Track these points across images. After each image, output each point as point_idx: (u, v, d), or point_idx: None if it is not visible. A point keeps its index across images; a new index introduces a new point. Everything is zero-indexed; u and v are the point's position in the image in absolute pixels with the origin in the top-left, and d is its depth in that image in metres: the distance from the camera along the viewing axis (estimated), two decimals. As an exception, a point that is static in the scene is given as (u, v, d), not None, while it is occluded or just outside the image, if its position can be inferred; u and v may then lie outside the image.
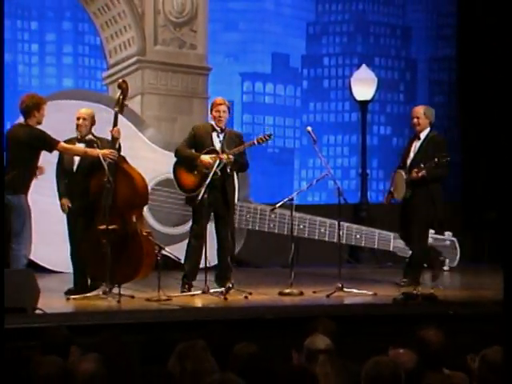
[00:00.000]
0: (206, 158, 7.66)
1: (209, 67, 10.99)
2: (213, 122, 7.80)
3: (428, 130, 8.28)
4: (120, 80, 7.91)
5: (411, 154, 8.24)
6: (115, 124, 7.52)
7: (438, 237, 9.84)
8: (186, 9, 10.88)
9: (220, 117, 7.73)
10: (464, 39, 11.58)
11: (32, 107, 7.45)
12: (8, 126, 9.86)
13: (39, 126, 7.46)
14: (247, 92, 11.33)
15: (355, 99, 11.18)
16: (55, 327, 4.93)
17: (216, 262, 7.84)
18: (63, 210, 7.60)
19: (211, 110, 7.83)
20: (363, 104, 11.15)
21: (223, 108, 7.77)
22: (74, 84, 10.55)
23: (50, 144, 7.33)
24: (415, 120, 8.24)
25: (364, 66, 11.20)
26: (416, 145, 8.26)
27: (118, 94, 7.68)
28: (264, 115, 11.41)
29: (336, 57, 11.69)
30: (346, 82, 11.39)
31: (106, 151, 7.42)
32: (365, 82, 11.11)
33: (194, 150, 7.80)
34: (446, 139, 8.79)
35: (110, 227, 7.30)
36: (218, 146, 7.77)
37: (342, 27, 11.73)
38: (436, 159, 7.94)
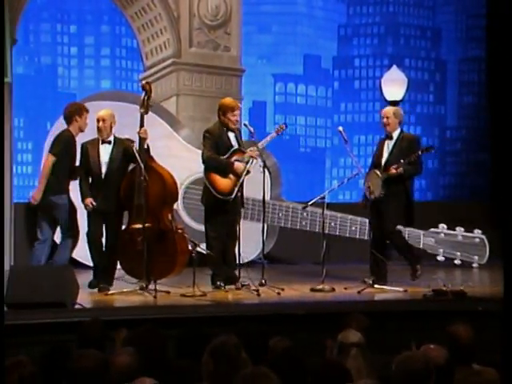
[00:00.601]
0: (239, 165, 7.68)
1: (242, 69, 10.99)
2: (229, 125, 7.78)
3: (399, 129, 8.32)
4: (143, 82, 7.96)
5: (385, 154, 8.23)
6: (141, 125, 7.56)
7: (468, 234, 9.76)
8: (221, 12, 10.89)
9: (237, 120, 7.84)
10: (493, 40, 11.49)
11: (73, 113, 7.65)
12: (48, 126, 10.01)
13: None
14: (279, 93, 11.32)
15: (386, 99, 11.13)
16: (91, 321, 4.96)
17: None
18: (87, 208, 7.62)
19: (225, 112, 7.79)
20: (393, 104, 11.09)
21: (239, 112, 7.89)
22: (111, 85, 10.60)
23: (52, 152, 7.61)
24: (385, 120, 8.27)
25: (395, 66, 11.14)
26: (389, 144, 8.25)
27: (142, 95, 7.71)
28: (296, 115, 11.39)
29: (367, 58, 11.64)
30: (377, 82, 11.34)
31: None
32: (395, 83, 11.05)
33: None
34: (419, 137, 8.86)
35: (144, 225, 7.34)
36: (235, 144, 7.84)
37: (373, 29, 11.68)
38: (420, 151, 8.03)
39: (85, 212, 7.70)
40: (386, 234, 8.21)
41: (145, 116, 7.61)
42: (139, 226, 7.39)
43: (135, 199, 7.44)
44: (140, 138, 7.54)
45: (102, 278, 7.60)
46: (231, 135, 7.85)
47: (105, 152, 7.65)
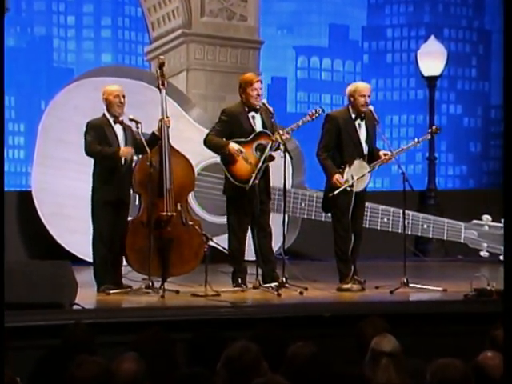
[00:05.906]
0: (234, 146, 7.64)
1: (260, 40, 11.00)
2: (251, 101, 7.70)
3: None
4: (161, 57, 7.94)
5: (362, 139, 7.88)
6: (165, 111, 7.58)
7: (496, 224, 9.72)
8: (236, -24, 10.91)
9: (258, 95, 7.71)
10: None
11: None
12: (43, 105, 10.03)
13: None
14: (302, 68, 11.33)
15: (422, 75, 11.12)
16: (75, 324, 4.97)
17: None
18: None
19: (244, 88, 7.71)
20: (431, 80, 11.08)
21: (260, 85, 7.77)
22: (113, 60, 10.64)
23: None
24: (368, 99, 7.83)
25: (432, 37, 11.12)
26: (361, 126, 7.89)
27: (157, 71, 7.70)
28: (320, 93, 11.39)
29: (400, 28, 11.63)
30: (412, 56, 11.33)
31: None
32: (433, 56, 11.04)
33: (227, 137, 7.70)
34: None
35: (169, 214, 7.43)
36: (259, 127, 7.77)
37: (408, -5, 11.68)
38: (429, 134, 8.03)
39: (89, 204, 7.60)
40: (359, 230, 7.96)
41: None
42: (169, 214, 7.44)
43: (163, 185, 7.45)
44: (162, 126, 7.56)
45: (107, 277, 7.53)
46: (255, 116, 7.78)
47: (120, 134, 7.55)
